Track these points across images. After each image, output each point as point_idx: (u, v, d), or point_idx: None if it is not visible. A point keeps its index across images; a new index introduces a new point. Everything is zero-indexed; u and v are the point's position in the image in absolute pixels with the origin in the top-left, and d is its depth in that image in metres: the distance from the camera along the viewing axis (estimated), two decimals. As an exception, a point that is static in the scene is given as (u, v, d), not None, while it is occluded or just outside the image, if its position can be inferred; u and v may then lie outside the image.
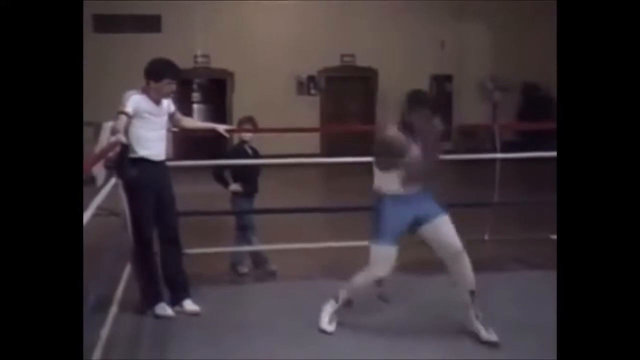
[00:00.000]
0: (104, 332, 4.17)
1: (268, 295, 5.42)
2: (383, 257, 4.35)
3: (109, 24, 15.07)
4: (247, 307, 5.08)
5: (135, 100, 4.71)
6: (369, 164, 4.53)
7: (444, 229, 4.39)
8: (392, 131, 4.32)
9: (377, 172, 4.42)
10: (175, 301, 4.96)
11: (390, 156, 4.30)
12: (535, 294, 5.12)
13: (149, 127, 4.77)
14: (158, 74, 4.78)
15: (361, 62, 16.51)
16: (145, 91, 4.79)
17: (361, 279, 4.48)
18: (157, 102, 4.83)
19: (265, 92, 15.41)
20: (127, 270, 5.23)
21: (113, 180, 4.93)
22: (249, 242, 6.00)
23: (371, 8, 15.99)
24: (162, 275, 4.97)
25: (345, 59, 16.49)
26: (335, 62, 16.41)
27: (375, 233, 4.37)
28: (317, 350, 4.25)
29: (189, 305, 4.95)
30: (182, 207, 5.24)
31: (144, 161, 4.76)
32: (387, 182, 4.35)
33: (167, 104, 4.95)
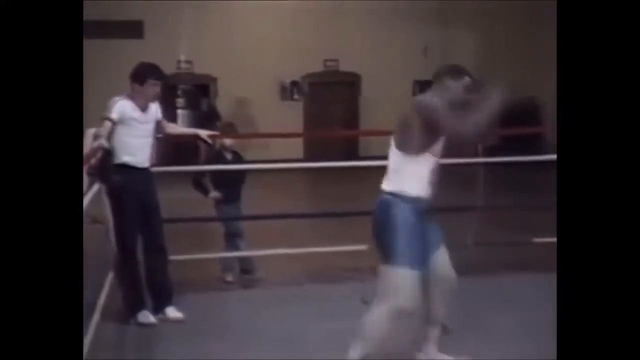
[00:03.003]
0: (87, 340, 4.13)
1: (254, 302, 5.39)
2: (402, 283, 3.45)
3: (92, 29, 14.94)
4: (232, 314, 5.05)
5: (120, 107, 4.70)
6: (352, 168, 4.47)
7: (443, 260, 3.69)
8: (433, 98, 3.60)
9: (397, 161, 3.57)
10: (158, 309, 4.92)
11: (430, 127, 3.46)
12: (521, 298, 5.13)
13: (133, 133, 4.75)
14: (142, 76, 4.78)
15: (345, 67, 16.53)
16: (131, 97, 4.77)
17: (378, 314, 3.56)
18: (144, 108, 4.81)
19: (248, 97, 15.37)
20: (110, 277, 5.18)
21: (96, 187, 4.89)
22: (237, 249, 5.96)
23: (355, 13, 16.01)
24: (147, 282, 4.93)
25: (329, 64, 16.50)
26: (318, 67, 16.42)
27: (390, 252, 3.47)
28: (302, 356, 4.22)
29: (172, 312, 4.92)
30: (167, 214, 5.20)
31: (127, 167, 4.74)
32: (408, 175, 3.53)
33: (155, 111, 4.93)
